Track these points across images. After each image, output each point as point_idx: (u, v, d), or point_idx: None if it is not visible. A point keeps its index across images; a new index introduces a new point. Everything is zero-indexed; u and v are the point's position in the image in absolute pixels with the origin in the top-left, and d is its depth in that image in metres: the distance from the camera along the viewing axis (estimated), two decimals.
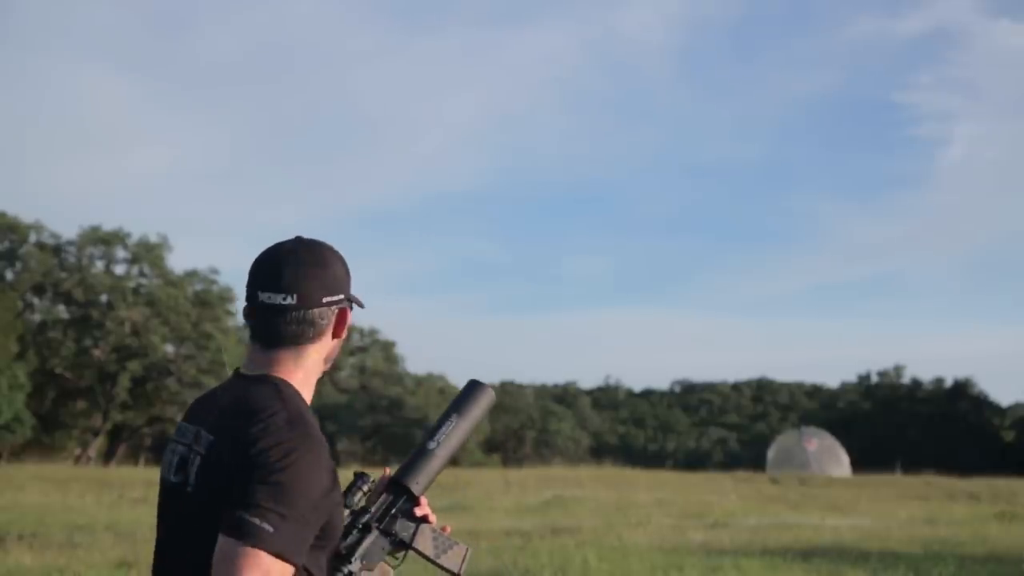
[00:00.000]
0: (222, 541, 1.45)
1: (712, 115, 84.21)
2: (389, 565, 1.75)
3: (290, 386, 1.65)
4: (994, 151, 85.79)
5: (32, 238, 34.94)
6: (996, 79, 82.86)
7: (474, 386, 1.89)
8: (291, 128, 76.84)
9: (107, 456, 36.60)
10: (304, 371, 1.68)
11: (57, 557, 9.33)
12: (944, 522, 16.23)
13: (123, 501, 16.49)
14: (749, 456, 45.75)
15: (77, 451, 36.39)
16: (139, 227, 54.80)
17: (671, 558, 10.01)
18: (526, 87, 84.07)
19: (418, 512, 1.77)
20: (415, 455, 1.81)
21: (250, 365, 1.68)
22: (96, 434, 36.17)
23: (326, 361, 1.72)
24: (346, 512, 1.70)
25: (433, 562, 1.75)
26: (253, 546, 1.43)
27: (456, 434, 1.84)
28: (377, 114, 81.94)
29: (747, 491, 23.87)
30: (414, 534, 1.75)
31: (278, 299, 1.63)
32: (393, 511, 1.76)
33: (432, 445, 1.81)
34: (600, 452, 48.09)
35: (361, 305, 1.76)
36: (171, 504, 1.62)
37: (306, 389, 1.67)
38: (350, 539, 1.70)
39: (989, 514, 17.80)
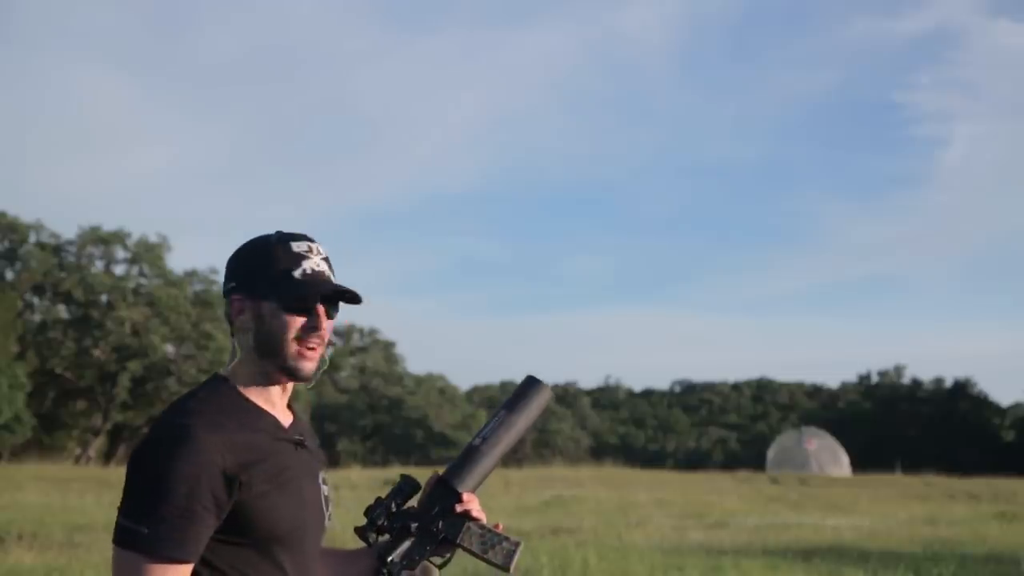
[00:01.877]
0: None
1: (712, 115, 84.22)
2: (433, 564, 1.71)
3: (219, 380, 1.61)
4: (994, 151, 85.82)
5: (32, 238, 34.91)
6: (996, 79, 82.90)
7: (529, 383, 1.80)
8: (291, 128, 76.90)
9: (107, 456, 36.58)
10: (240, 361, 1.62)
11: (57, 557, 9.32)
12: (944, 522, 16.20)
13: None
14: (749, 456, 45.74)
15: (77, 451, 36.37)
16: (139, 227, 54.82)
17: (671, 558, 10.00)
18: (526, 87, 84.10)
19: (460, 508, 1.70)
20: (462, 453, 1.75)
21: None
22: (96, 434, 36.17)
23: (260, 352, 1.59)
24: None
25: (481, 557, 1.69)
26: (129, 549, 1.41)
27: (505, 430, 1.75)
28: (377, 114, 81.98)
29: (747, 491, 23.84)
30: (459, 531, 1.70)
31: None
32: (436, 510, 1.70)
33: (477, 441, 1.74)
34: (600, 452, 48.04)
35: (267, 297, 1.58)
36: None
37: (252, 382, 1.61)
38: (388, 540, 1.68)
39: (989, 514, 17.77)
